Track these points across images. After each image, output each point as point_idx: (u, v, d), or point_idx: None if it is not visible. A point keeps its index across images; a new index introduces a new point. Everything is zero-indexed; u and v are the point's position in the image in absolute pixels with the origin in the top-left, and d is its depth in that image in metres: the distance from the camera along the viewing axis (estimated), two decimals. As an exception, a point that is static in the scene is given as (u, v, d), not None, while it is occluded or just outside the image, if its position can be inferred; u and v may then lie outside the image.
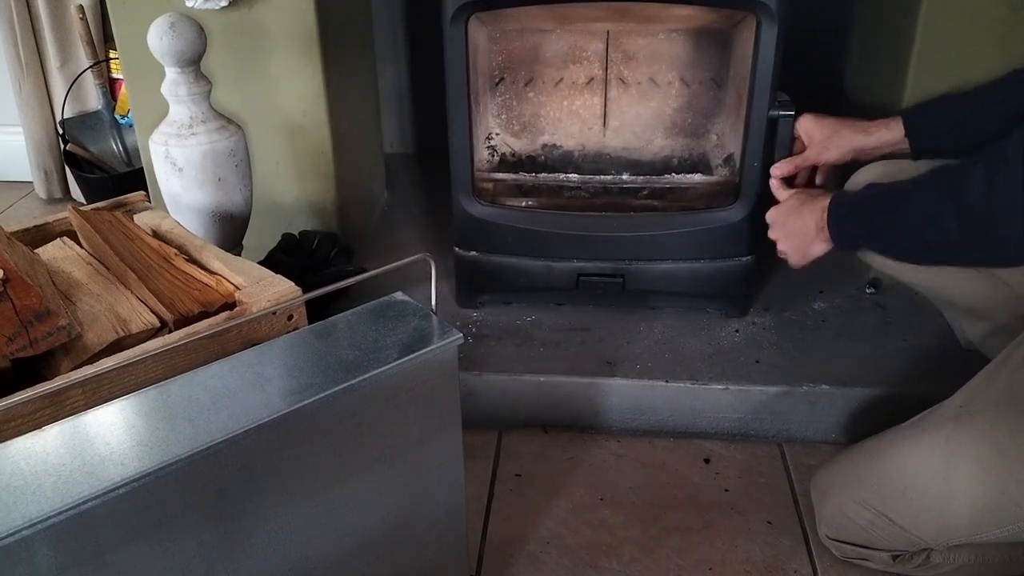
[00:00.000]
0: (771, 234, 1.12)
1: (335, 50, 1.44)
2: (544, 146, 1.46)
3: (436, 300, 0.80)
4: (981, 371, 0.98)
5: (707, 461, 1.25)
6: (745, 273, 1.36)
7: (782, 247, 1.10)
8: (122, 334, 0.80)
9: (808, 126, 1.21)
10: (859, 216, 0.99)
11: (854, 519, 0.99)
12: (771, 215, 1.13)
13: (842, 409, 1.26)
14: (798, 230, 1.06)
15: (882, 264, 1.25)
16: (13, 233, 0.96)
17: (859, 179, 1.18)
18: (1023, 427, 0.88)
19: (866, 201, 0.99)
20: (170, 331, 0.82)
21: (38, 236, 1.00)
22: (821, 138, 1.19)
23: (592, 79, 1.41)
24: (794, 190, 1.14)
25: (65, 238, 1.00)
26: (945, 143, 1.11)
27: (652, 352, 1.33)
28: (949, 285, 1.19)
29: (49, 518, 0.57)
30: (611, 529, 1.13)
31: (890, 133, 1.14)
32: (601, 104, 1.43)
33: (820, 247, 1.04)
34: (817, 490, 1.08)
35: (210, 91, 1.18)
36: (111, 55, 1.88)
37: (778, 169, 1.22)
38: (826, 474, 1.07)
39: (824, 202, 1.01)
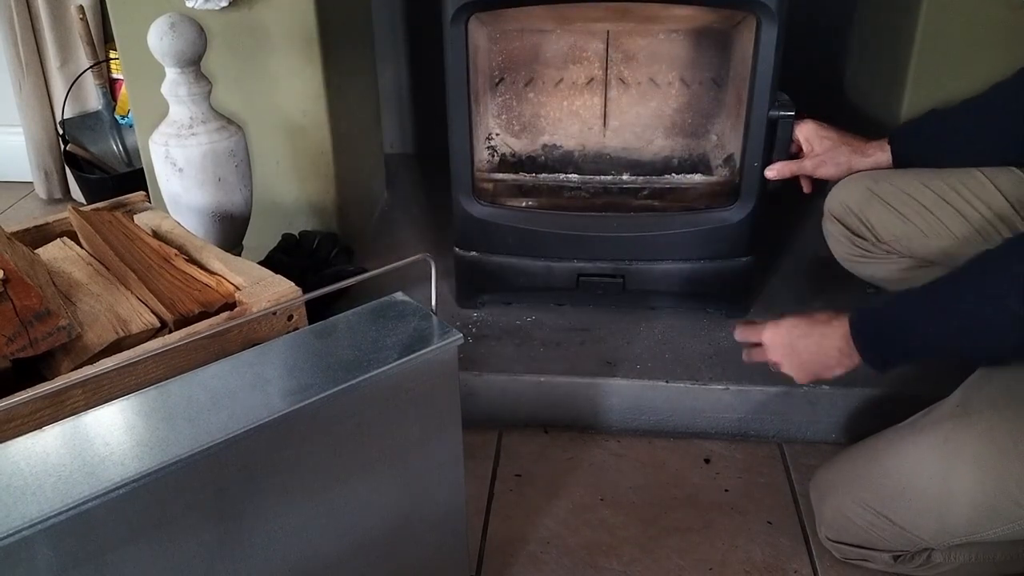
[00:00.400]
0: (772, 357, 1.02)
1: (335, 50, 1.44)
2: (544, 146, 1.46)
3: (436, 300, 0.80)
4: (976, 371, 0.98)
5: (707, 461, 1.25)
6: (745, 273, 1.36)
7: (788, 370, 1.01)
8: (122, 334, 0.80)
9: (809, 134, 1.22)
10: (901, 332, 0.91)
11: (854, 520, 0.99)
12: (771, 338, 1.01)
13: (842, 409, 1.26)
14: (812, 355, 0.97)
15: (871, 276, 1.25)
16: (13, 233, 0.96)
17: (845, 191, 1.20)
18: (1021, 426, 0.88)
19: (905, 314, 0.90)
20: (170, 331, 0.82)
21: (38, 236, 1.00)
22: (820, 151, 1.21)
23: (592, 79, 1.41)
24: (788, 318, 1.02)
25: (65, 238, 1.00)
26: (944, 152, 1.13)
27: (652, 352, 1.33)
28: None
29: (49, 518, 0.57)
30: (611, 529, 1.13)
31: (884, 155, 1.18)
32: (601, 104, 1.43)
33: (841, 370, 0.96)
34: (816, 491, 1.08)
35: (210, 91, 1.19)
36: (111, 55, 1.88)
37: (772, 171, 1.23)
38: (825, 475, 1.07)
39: (842, 326, 0.94)
